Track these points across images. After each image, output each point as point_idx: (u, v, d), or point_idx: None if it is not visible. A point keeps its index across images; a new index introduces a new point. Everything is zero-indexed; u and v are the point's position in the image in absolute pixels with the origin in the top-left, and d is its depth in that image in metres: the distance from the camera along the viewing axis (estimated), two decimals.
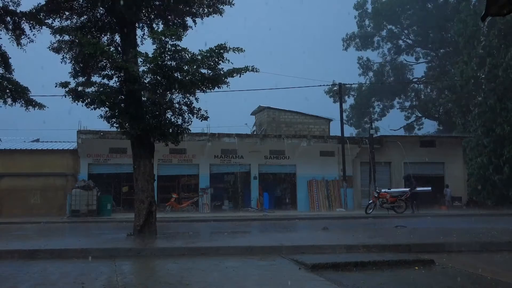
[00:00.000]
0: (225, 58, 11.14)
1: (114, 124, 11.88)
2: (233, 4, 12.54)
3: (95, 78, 11.99)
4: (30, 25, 12.08)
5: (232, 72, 11.39)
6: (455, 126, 33.04)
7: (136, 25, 12.52)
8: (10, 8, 12.10)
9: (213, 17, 12.68)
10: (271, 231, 13.90)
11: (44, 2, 11.81)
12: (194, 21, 12.74)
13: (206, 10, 12.52)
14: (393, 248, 9.13)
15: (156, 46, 10.90)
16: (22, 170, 23.35)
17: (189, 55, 10.96)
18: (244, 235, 12.36)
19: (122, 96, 11.67)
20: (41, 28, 12.13)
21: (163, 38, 10.71)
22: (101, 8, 12.26)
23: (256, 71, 11.40)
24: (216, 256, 8.65)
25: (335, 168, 26.70)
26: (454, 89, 32.65)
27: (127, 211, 21.98)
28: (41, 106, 12.52)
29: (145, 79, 11.51)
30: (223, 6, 12.50)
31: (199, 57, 11.02)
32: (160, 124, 11.59)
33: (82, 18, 12.33)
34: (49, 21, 12.09)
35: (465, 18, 29.69)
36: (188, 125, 12.11)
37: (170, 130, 11.83)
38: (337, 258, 7.86)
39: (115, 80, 11.63)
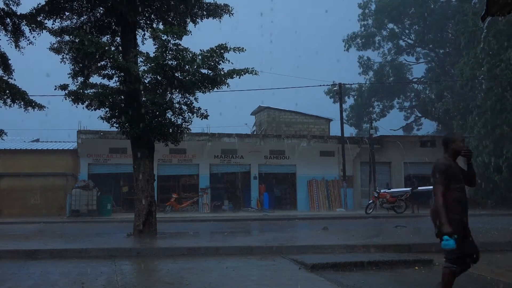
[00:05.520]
0: (225, 58, 11.16)
1: (114, 124, 11.89)
2: (232, 14, 12.54)
3: (95, 78, 12.03)
4: (30, 28, 12.05)
5: (232, 73, 11.39)
6: (454, 126, 33.01)
7: (137, 25, 12.53)
8: (10, 7, 12.06)
9: (213, 19, 12.70)
10: (271, 231, 13.89)
11: (44, 3, 11.79)
12: (194, 23, 12.73)
13: (205, 12, 12.53)
14: (393, 248, 9.11)
15: (157, 46, 10.90)
16: (22, 170, 23.36)
17: (190, 55, 10.96)
18: (244, 235, 12.35)
19: (122, 96, 11.67)
20: (42, 32, 12.11)
21: (165, 37, 10.71)
22: (101, 8, 12.25)
23: (256, 74, 11.41)
24: (216, 256, 8.63)
25: (335, 168, 26.72)
26: (454, 90, 32.59)
27: (127, 211, 21.99)
28: (40, 106, 12.46)
29: (145, 79, 11.52)
30: (222, 12, 12.51)
31: (199, 57, 11.03)
32: (160, 124, 11.57)
33: (82, 19, 12.33)
34: (49, 22, 12.09)
35: (466, 18, 29.68)
36: (188, 125, 12.12)
37: (170, 130, 11.82)
38: (337, 258, 7.85)
39: (115, 80, 11.65)
